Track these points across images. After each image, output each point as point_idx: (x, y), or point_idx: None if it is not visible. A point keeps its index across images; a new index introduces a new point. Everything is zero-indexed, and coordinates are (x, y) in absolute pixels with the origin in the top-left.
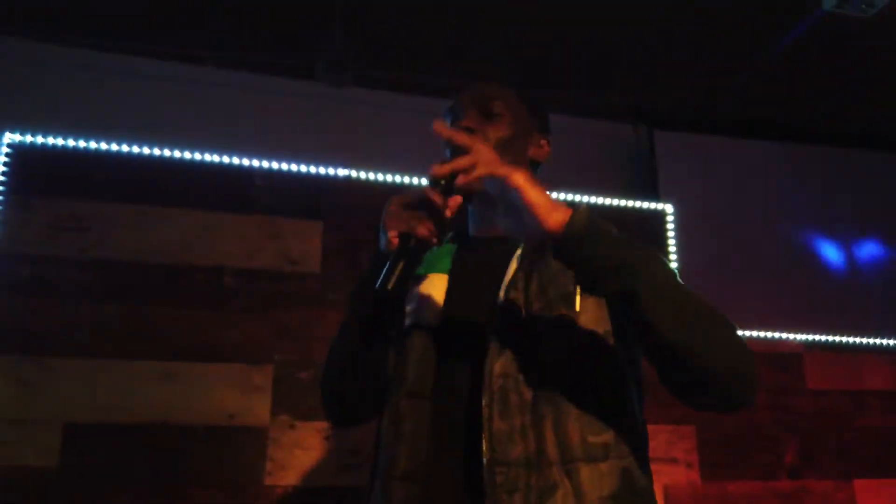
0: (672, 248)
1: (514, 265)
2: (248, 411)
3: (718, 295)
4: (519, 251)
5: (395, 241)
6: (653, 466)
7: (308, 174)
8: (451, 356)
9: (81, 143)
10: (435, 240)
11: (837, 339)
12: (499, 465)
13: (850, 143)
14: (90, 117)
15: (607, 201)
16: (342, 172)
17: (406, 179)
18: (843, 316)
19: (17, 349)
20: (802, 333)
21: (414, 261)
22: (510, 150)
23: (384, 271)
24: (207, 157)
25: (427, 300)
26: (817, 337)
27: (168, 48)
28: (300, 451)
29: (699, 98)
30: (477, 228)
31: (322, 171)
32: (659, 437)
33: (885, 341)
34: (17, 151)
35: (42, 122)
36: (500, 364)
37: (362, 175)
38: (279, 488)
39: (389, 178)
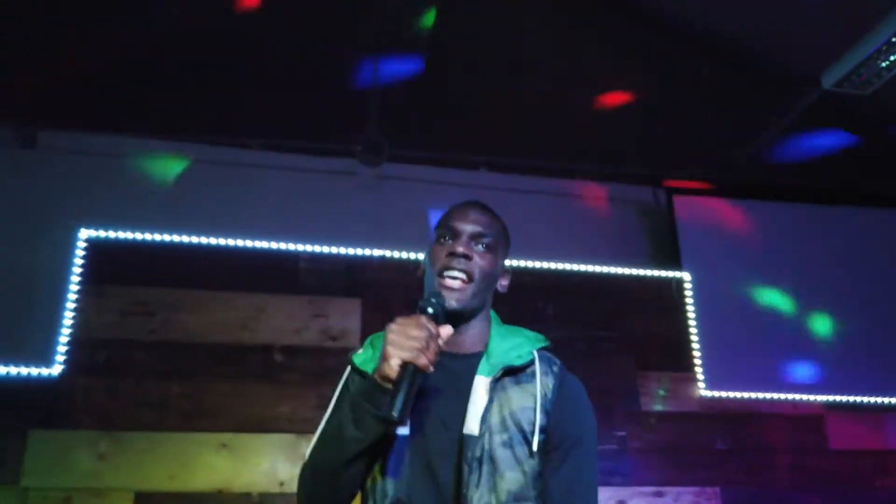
0: (691, 316)
1: (482, 394)
2: (297, 479)
3: (737, 357)
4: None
5: (397, 369)
6: None
7: (347, 255)
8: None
9: (147, 236)
10: (431, 368)
11: (859, 399)
12: None
13: (866, 203)
14: (153, 207)
15: (625, 271)
16: (377, 252)
17: None
18: (864, 376)
19: (95, 425)
20: (823, 395)
21: (414, 387)
22: (488, 282)
23: (399, 401)
24: (258, 244)
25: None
26: (838, 398)
27: (219, 137)
28: None
29: (714, 167)
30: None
31: (359, 251)
32: (683, 499)
33: None
34: (92, 245)
35: (110, 216)
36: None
37: (395, 254)
38: None
39: (420, 256)
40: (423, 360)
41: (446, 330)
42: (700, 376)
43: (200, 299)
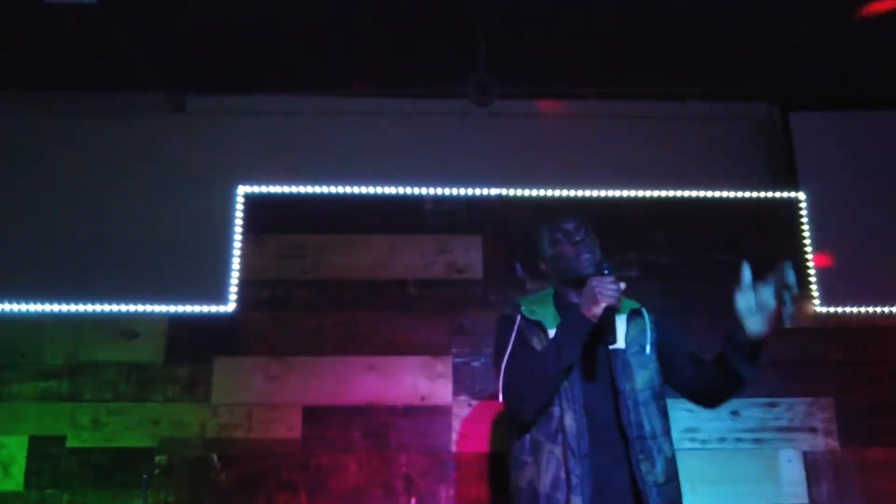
0: (806, 236)
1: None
2: (435, 393)
3: (853, 274)
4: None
5: (603, 309)
6: (792, 435)
7: (467, 196)
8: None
9: (293, 189)
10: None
11: None
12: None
13: None
14: (295, 162)
15: (740, 194)
16: (494, 192)
17: (546, 193)
18: None
19: (266, 352)
20: None
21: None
22: (598, 252)
23: (614, 328)
24: (388, 190)
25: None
26: None
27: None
28: (478, 423)
29: (831, 77)
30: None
31: (478, 191)
32: (797, 409)
33: None
34: (248, 199)
35: (261, 171)
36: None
37: (511, 192)
38: (464, 454)
39: (534, 192)
40: (619, 304)
41: (623, 285)
42: (815, 293)
43: (342, 242)
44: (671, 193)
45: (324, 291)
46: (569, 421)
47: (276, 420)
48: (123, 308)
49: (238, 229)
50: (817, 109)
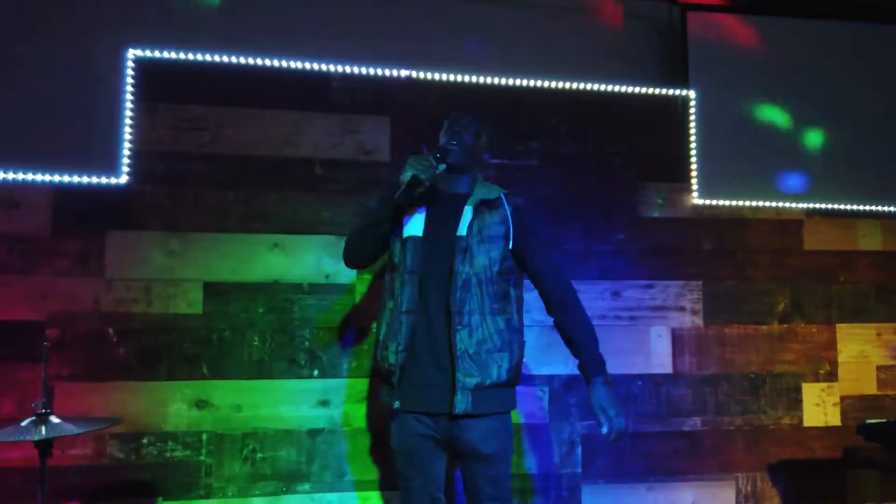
0: (692, 133)
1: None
2: (340, 272)
3: (731, 170)
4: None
5: (406, 177)
6: (664, 313)
7: (376, 75)
8: (432, 256)
9: (191, 56)
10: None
11: (834, 206)
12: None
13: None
14: (195, 27)
15: (634, 90)
16: (405, 73)
17: (457, 78)
18: (843, 185)
19: (164, 227)
20: (804, 203)
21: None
22: (463, 148)
23: (403, 190)
24: (294, 64)
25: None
26: (818, 205)
27: None
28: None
29: None
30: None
31: (388, 72)
32: (670, 290)
33: (878, 207)
34: (140, 64)
35: (156, 34)
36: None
37: (422, 74)
38: (366, 329)
39: (444, 77)
40: (423, 176)
41: (441, 168)
42: (694, 186)
43: (244, 116)
44: (573, 86)
45: (225, 167)
46: (397, 285)
47: (176, 296)
48: (2, 176)
49: (129, 97)
50: (714, 10)
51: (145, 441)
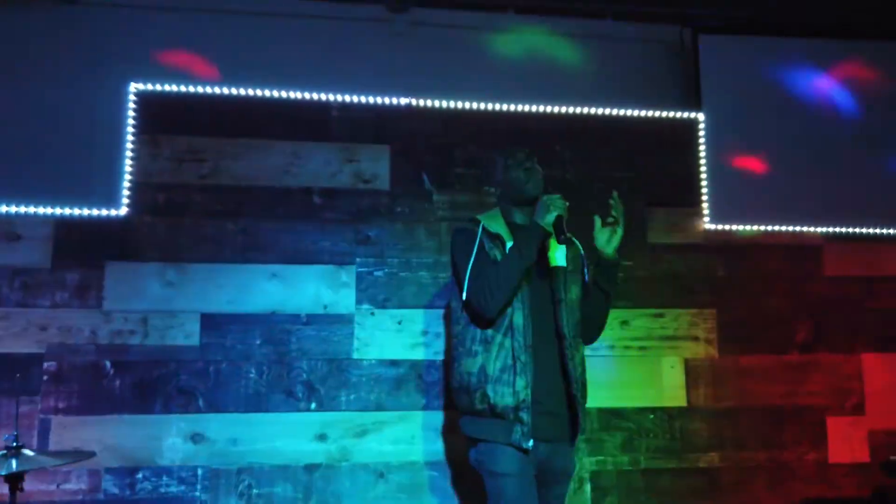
0: (702, 156)
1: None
2: (338, 302)
3: (743, 194)
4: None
5: (552, 218)
6: (675, 343)
7: (375, 104)
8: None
9: (192, 88)
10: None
11: (856, 230)
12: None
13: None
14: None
15: (642, 113)
16: (404, 101)
17: (457, 105)
18: (862, 209)
19: (162, 258)
20: (823, 226)
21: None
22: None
23: (564, 230)
24: (292, 95)
25: None
26: (837, 229)
27: None
28: (379, 332)
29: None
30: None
31: (387, 100)
32: (682, 319)
33: None
34: (142, 97)
35: (160, 68)
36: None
37: (422, 102)
38: (365, 361)
39: (443, 104)
40: (565, 214)
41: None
42: (706, 210)
43: (244, 147)
44: (577, 110)
45: (224, 197)
46: (518, 319)
47: (173, 327)
48: (4, 209)
49: (130, 129)
50: (726, 34)
51: (140, 476)
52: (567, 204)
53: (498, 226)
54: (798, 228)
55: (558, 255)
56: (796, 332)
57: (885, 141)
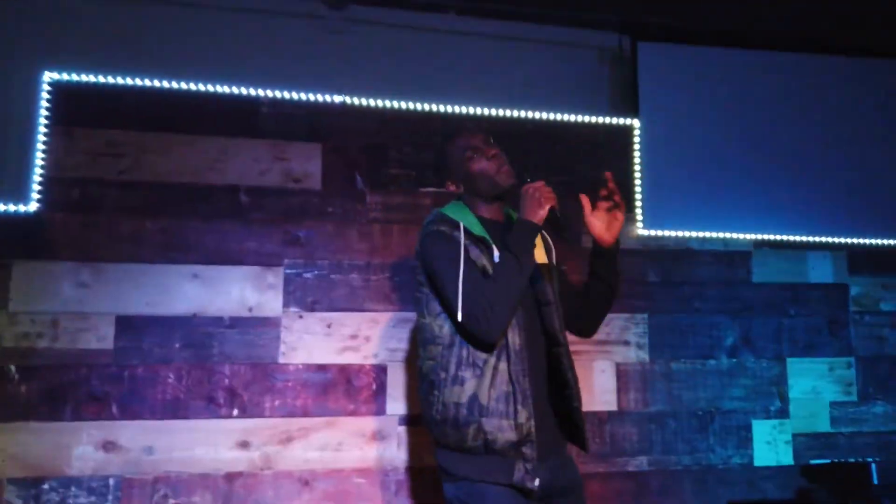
0: (637, 163)
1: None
2: (264, 305)
3: (677, 200)
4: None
5: (545, 212)
6: (608, 347)
7: (307, 101)
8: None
9: (110, 79)
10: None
11: (783, 237)
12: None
13: (840, 52)
14: (115, 50)
15: (579, 118)
16: (338, 99)
17: (392, 105)
18: (790, 217)
19: (75, 257)
20: (752, 233)
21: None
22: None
23: (564, 224)
24: (219, 89)
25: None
26: (766, 236)
27: None
28: (308, 336)
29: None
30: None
31: (320, 97)
32: (615, 323)
33: (828, 239)
34: (56, 88)
35: (73, 58)
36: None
37: (356, 101)
38: (291, 365)
39: (379, 103)
40: (557, 204)
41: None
42: (639, 216)
43: (166, 142)
44: (515, 114)
45: (144, 194)
46: (514, 338)
47: (85, 330)
48: None
49: (43, 121)
50: (665, 41)
51: (46, 486)
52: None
53: (476, 226)
54: (729, 235)
55: (537, 251)
56: (724, 337)
57: (813, 152)
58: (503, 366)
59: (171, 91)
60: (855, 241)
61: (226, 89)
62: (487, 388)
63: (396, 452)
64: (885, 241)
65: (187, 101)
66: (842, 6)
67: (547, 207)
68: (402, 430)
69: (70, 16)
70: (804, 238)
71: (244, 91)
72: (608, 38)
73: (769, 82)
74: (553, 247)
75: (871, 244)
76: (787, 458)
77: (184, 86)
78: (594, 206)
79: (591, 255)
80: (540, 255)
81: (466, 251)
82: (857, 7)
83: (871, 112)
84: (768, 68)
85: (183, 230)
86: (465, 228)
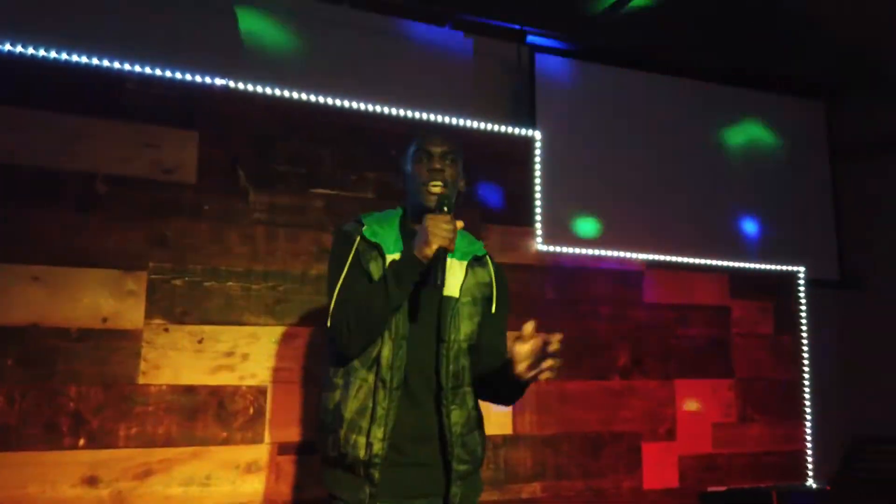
0: (537, 174)
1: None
2: (122, 315)
3: (574, 217)
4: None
5: (435, 251)
6: None
7: (183, 81)
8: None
9: None
10: (452, 250)
11: (673, 258)
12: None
13: (718, 78)
14: None
15: (479, 125)
16: (220, 82)
17: (284, 93)
18: (681, 238)
19: None
20: (644, 254)
21: (442, 262)
22: (453, 187)
23: (441, 272)
24: (76, 59)
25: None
26: (657, 257)
27: None
28: (174, 352)
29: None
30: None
31: (199, 79)
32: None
33: (714, 262)
34: None
35: None
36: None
37: (241, 86)
38: (153, 387)
39: (269, 90)
40: (451, 246)
41: (460, 223)
42: (539, 231)
43: (10, 116)
44: (417, 114)
45: None
46: (386, 353)
47: None
48: None
49: None
50: (563, 56)
51: None
52: (459, 226)
53: (386, 232)
54: (623, 254)
55: (452, 281)
56: (618, 357)
57: (705, 177)
58: (371, 378)
59: (18, 58)
60: (737, 264)
61: (83, 59)
62: (351, 398)
63: (275, 485)
64: (765, 266)
65: (38, 71)
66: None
67: (434, 247)
68: (282, 459)
69: None
70: (692, 260)
71: (106, 63)
72: (507, 47)
73: (666, 106)
74: (493, 282)
75: (752, 268)
76: (672, 481)
77: (31, 51)
78: (531, 366)
79: (504, 366)
80: (454, 289)
81: (358, 255)
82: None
83: (764, 143)
84: (667, 92)
85: (22, 222)
86: (363, 233)
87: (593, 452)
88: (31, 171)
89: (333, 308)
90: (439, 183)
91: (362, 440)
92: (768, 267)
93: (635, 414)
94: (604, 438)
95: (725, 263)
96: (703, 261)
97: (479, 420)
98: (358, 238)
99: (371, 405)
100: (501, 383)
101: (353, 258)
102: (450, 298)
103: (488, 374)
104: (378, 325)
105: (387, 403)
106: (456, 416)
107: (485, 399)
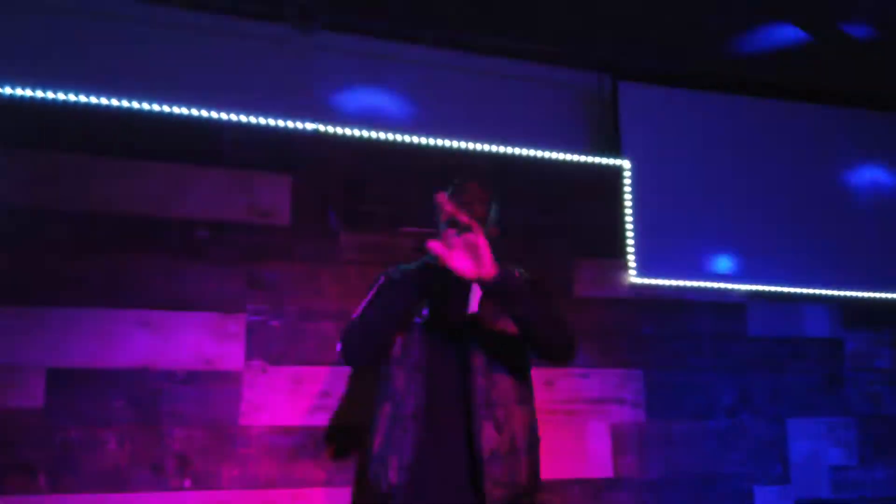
0: (628, 204)
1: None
2: (223, 357)
3: (669, 247)
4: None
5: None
6: (602, 406)
7: (276, 128)
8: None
9: (50, 95)
10: None
11: (779, 289)
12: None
13: (817, 99)
14: (58, 64)
15: (566, 157)
16: (310, 126)
17: (373, 135)
18: (787, 267)
19: (2, 299)
20: (746, 284)
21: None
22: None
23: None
24: (176, 110)
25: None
26: (760, 287)
27: None
28: (273, 393)
29: (667, 50)
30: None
31: (290, 124)
32: (608, 380)
33: (824, 291)
34: None
35: (10, 69)
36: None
37: (330, 129)
38: (254, 428)
39: (356, 133)
40: (453, 260)
41: (478, 237)
42: (632, 263)
43: (113, 168)
44: (502, 150)
45: (85, 227)
46: (400, 381)
47: (10, 385)
48: None
49: None
50: (646, 82)
51: None
52: (432, 259)
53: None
54: (722, 285)
55: (472, 299)
56: (722, 395)
57: (808, 199)
58: (388, 408)
59: (121, 111)
60: (849, 293)
61: (184, 111)
62: (376, 432)
63: None
64: (879, 295)
65: (140, 123)
66: (840, 57)
67: (423, 261)
68: None
69: (10, 25)
70: (800, 290)
71: (205, 114)
72: (587, 76)
73: (759, 129)
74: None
75: (864, 297)
76: None
77: (135, 105)
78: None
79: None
80: (473, 305)
81: (380, 289)
82: (858, 59)
83: (869, 164)
84: (761, 115)
85: (130, 270)
86: (389, 271)
87: (699, 496)
88: (134, 219)
89: (345, 326)
90: (454, 233)
91: (384, 472)
92: (884, 296)
93: (745, 456)
94: (710, 481)
95: (836, 293)
96: (811, 290)
97: (528, 441)
98: (382, 277)
99: (392, 436)
100: (522, 331)
101: (375, 291)
102: (470, 316)
103: (527, 343)
104: (376, 329)
105: (403, 433)
106: (488, 438)
107: (541, 356)
